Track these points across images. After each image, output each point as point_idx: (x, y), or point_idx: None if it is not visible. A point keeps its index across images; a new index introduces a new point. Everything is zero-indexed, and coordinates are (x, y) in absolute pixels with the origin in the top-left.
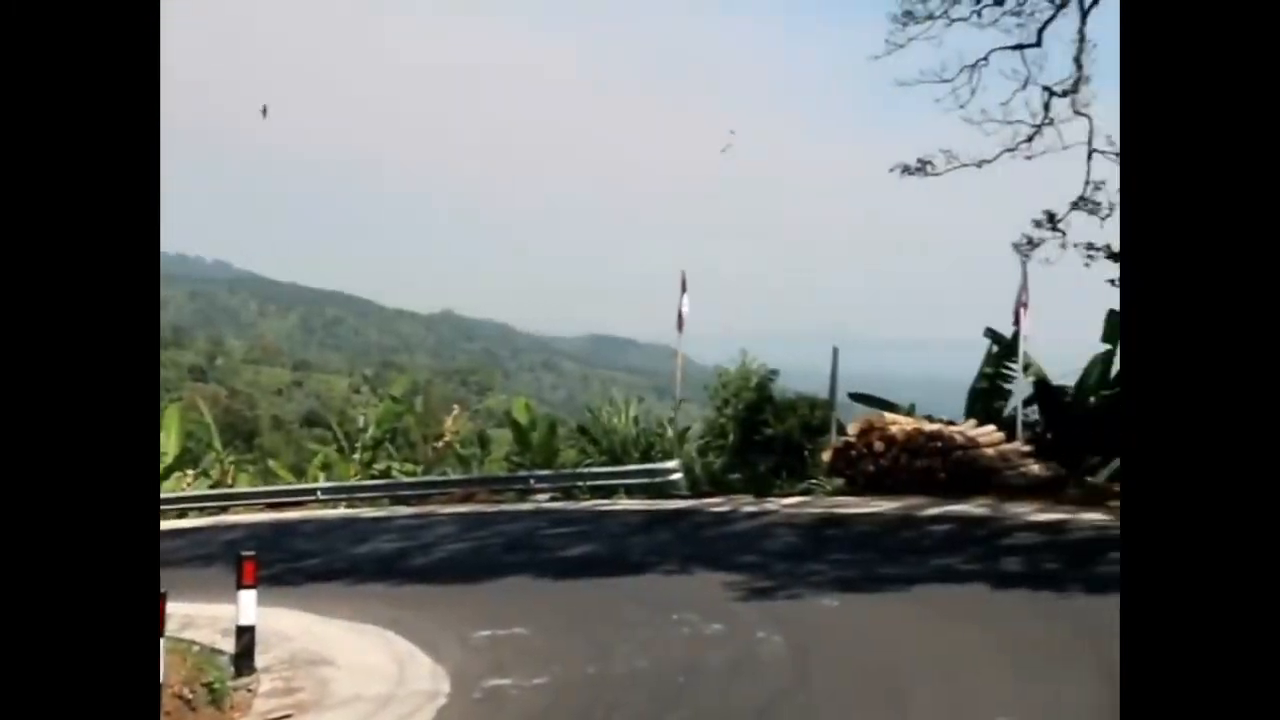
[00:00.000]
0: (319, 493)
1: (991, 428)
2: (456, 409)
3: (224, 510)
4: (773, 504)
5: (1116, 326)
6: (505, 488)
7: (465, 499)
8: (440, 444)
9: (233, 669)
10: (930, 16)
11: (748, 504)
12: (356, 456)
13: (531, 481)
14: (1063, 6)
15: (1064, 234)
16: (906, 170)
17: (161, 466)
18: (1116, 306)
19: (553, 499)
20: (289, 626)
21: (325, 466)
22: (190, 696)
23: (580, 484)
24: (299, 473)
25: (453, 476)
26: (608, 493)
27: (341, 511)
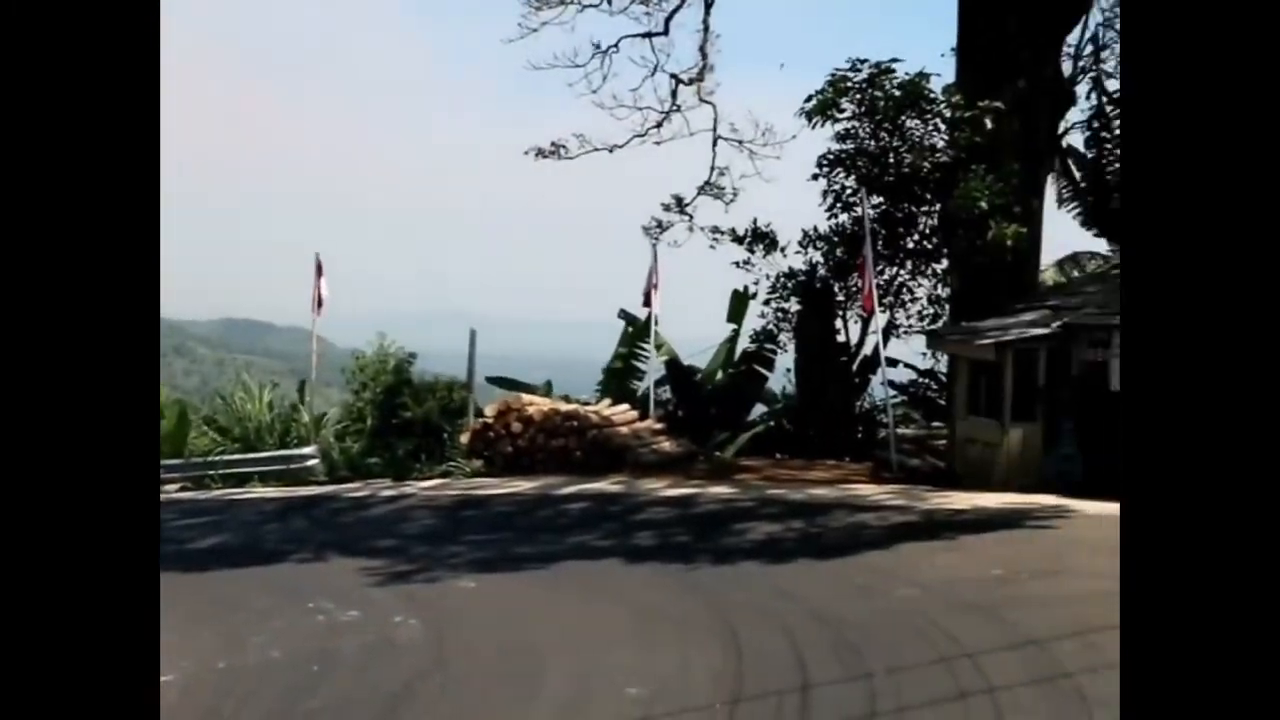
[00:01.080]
0: None
1: (625, 407)
2: None
3: None
4: (411, 487)
5: (741, 306)
6: None
7: None
8: None
9: None
10: (562, 1)
11: (386, 488)
12: None
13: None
14: None
15: (691, 217)
16: (541, 153)
17: None
18: (741, 287)
19: (183, 489)
20: None
21: None
22: None
23: (212, 473)
24: None
25: None
26: (241, 481)
27: None
